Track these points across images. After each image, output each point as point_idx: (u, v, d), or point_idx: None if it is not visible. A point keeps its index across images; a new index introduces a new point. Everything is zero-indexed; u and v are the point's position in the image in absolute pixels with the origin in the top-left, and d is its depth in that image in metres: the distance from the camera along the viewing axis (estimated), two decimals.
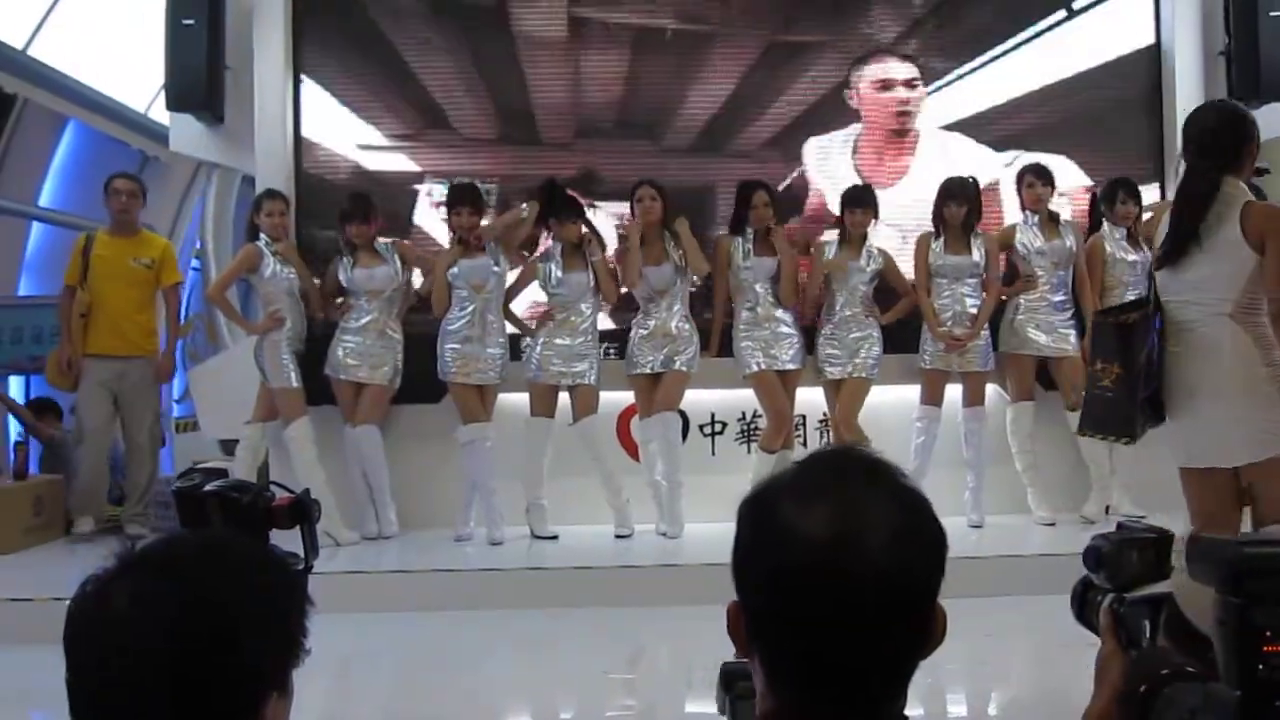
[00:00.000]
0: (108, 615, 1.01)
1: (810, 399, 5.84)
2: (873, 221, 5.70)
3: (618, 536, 5.56)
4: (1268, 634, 1.01)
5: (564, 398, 5.61)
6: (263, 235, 5.62)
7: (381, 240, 5.71)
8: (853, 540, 0.98)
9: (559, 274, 5.56)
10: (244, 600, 1.03)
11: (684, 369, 5.58)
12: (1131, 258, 5.71)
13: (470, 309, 5.53)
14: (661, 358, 5.58)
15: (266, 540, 1.37)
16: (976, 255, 5.68)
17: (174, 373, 6.55)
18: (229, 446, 6.07)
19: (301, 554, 1.38)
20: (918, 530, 1.02)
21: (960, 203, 5.65)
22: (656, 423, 5.56)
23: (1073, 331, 5.68)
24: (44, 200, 8.33)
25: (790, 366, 5.63)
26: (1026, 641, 4.44)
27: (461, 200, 5.55)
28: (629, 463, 5.80)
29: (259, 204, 5.68)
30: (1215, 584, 1.07)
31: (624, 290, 5.72)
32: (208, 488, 1.38)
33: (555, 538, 5.53)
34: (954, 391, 5.74)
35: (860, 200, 5.68)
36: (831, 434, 5.83)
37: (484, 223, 5.65)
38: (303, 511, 1.38)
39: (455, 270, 5.53)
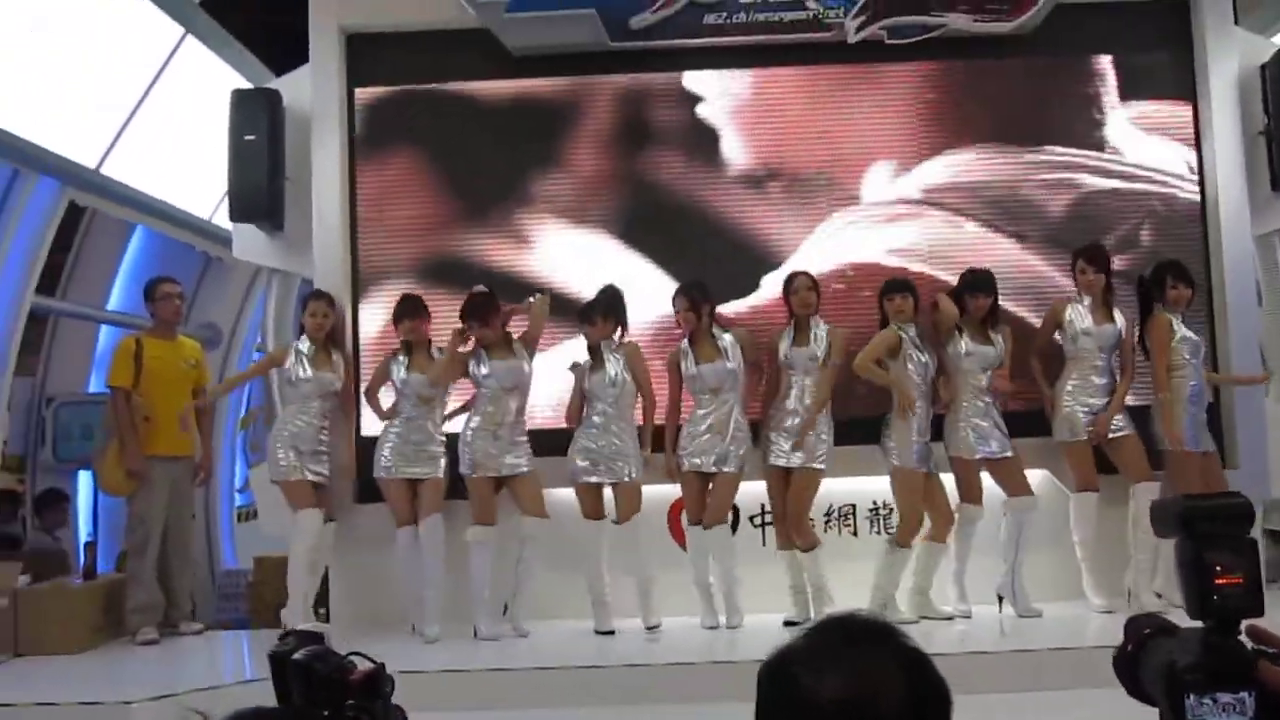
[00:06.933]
0: None
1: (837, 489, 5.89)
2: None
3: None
4: (1217, 568, 1.18)
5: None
6: (305, 336, 5.82)
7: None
8: (866, 706, 1.07)
9: (484, 370, 5.63)
10: None
11: (734, 469, 5.56)
12: (1194, 336, 5.66)
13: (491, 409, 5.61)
14: (714, 456, 5.56)
15: (341, 709, 1.41)
16: (997, 348, 5.64)
17: (212, 472, 6.76)
18: None
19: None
20: (922, 688, 1.12)
21: (986, 294, 5.66)
22: (712, 539, 5.55)
23: (1121, 412, 5.62)
24: (112, 303, 8.64)
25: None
26: None
27: (473, 314, 5.62)
28: (677, 553, 5.79)
29: (305, 304, 5.91)
30: (1173, 533, 1.25)
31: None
32: (295, 656, 1.45)
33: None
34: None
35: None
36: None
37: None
38: (374, 687, 1.43)
39: (485, 371, 5.64)
